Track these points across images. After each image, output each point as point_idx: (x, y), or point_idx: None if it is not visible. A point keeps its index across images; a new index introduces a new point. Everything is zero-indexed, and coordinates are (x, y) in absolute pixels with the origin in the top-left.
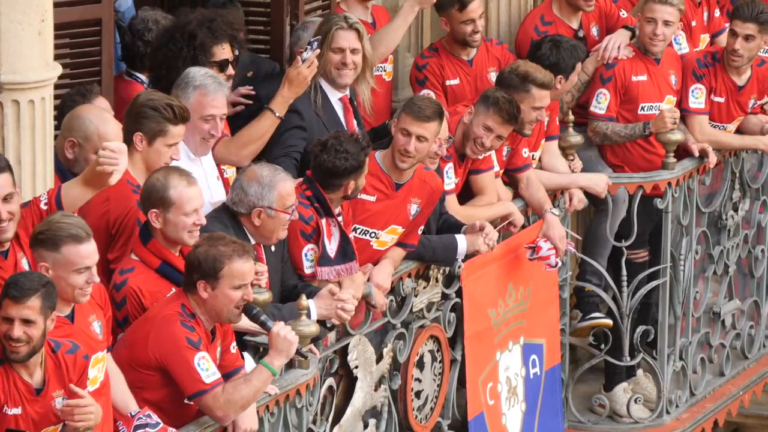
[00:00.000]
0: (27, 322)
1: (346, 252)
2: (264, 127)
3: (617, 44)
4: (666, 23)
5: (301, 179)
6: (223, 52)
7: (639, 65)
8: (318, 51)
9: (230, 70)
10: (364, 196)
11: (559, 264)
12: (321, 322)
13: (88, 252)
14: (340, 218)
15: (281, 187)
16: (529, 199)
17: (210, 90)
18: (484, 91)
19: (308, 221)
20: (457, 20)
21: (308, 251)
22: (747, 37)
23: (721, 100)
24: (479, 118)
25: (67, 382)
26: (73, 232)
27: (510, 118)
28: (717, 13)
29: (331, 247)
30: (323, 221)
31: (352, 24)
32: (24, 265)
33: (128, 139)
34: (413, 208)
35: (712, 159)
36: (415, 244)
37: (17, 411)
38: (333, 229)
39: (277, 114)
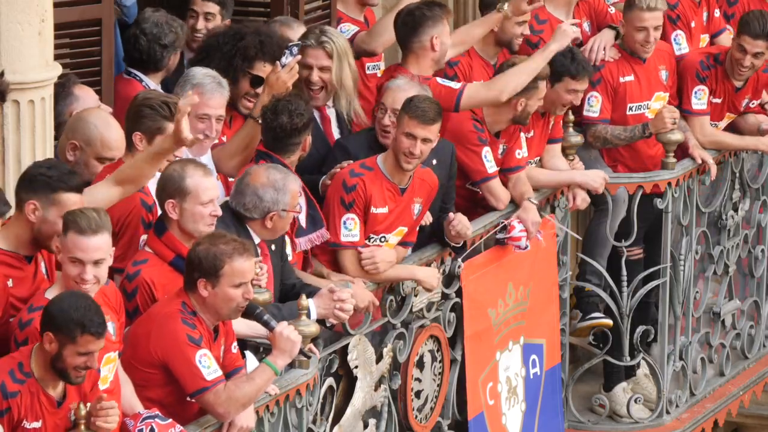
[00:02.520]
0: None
1: (315, 220)
2: (249, 134)
3: (602, 45)
4: (656, 28)
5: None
6: (264, 69)
7: (625, 66)
8: (299, 56)
9: (260, 89)
10: (377, 210)
11: (528, 247)
12: (320, 322)
13: (85, 245)
14: None
15: (292, 188)
16: (512, 192)
17: (207, 89)
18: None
19: None
20: (513, 20)
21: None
22: (756, 54)
23: (718, 101)
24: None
25: (82, 393)
26: (80, 221)
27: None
28: (717, 13)
29: (301, 217)
30: None
31: (323, 42)
32: (42, 271)
33: (129, 140)
34: (416, 208)
35: (713, 171)
36: (413, 241)
37: (37, 425)
38: (300, 199)
39: (260, 121)
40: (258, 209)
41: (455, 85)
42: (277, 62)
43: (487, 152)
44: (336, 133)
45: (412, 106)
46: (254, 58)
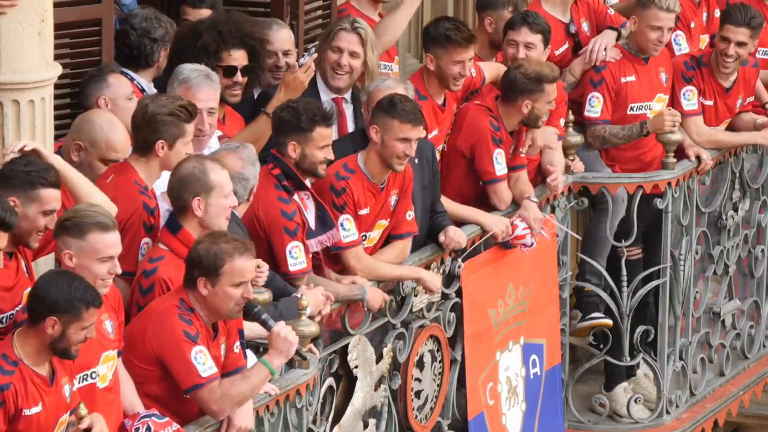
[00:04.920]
0: None
1: (325, 221)
2: (260, 130)
3: (603, 46)
4: (669, 29)
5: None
6: (231, 58)
7: (627, 66)
8: (315, 56)
9: (238, 77)
10: (362, 211)
11: (534, 244)
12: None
13: (113, 241)
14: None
15: (254, 154)
16: (512, 190)
17: (194, 83)
18: (431, 31)
19: (292, 217)
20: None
21: (292, 249)
22: (740, 44)
23: (710, 102)
24: (444, 60)
25: (67, 366)
26: (100, 219)
27: (469, 41)
28: (717, 13)
29: (310, 218)
30: (296, 196)
31: (357, 28)
32: (23, 268)
33: (145, 148)
34: (393, 200)
35: (706, 165)
36: (412, 231)
37: (38, 409)
38: (308, 201)
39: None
40: (248, 190)
41: None
42: (295, 62)
43: (498, 154)
44: (351, 129)
45: (399, 110)
46: (218, 51)
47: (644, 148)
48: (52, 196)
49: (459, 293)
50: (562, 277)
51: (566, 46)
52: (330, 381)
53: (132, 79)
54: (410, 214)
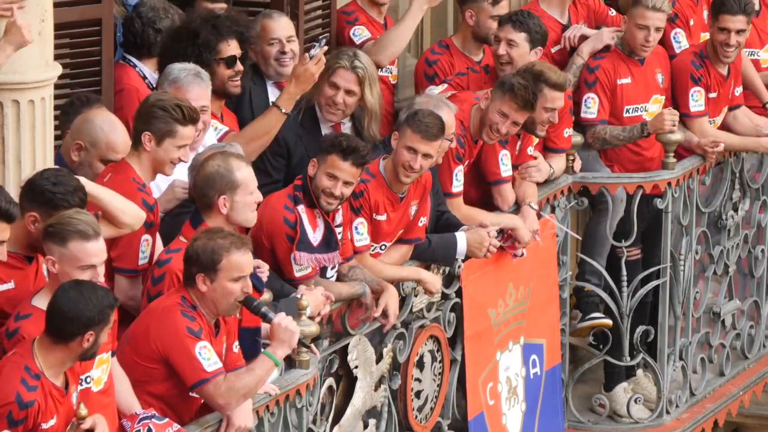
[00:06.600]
0: None
1: (329, 242)
2: (270, 123)
3: (578, 34)
4: (657, 29)
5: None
6: (229, 48)
7: (622, 67)
8: (326, 48)
9: (239, 66)
10: (379, 217)
11: (524, 254)
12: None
13: (95, 250)
14: (339, 217)
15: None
16: (516, 191)
17: (183, 83)
18: (502, 77)
19: (294, 225)
20: (487, 14)
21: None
22: (739, 31)
23: (714, 95)
24: (495, 104)
25: (76, 373)
26: (81, 228)
27: (525, 105)
28: None
29: (315, 236)
30: (301, 207)
31: (356, 67)
32: (44, 271)
33: (136, 140)
34: (413, 210)
35: (713, 161)
36: (421, 237)
37: (53, 422)
38: (318, 220)
39: (284, 110)
40: None
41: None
42: (306, 54)
43: (504, 155)
44: None
45: (416, 120)
46: (217, 43)
47: (644, 147)
48: None
49: (459, 293)
50: (562, 277)
51: (561, 46)
52: (330, 381)
53: (134, 66)
54: (422, 221)
